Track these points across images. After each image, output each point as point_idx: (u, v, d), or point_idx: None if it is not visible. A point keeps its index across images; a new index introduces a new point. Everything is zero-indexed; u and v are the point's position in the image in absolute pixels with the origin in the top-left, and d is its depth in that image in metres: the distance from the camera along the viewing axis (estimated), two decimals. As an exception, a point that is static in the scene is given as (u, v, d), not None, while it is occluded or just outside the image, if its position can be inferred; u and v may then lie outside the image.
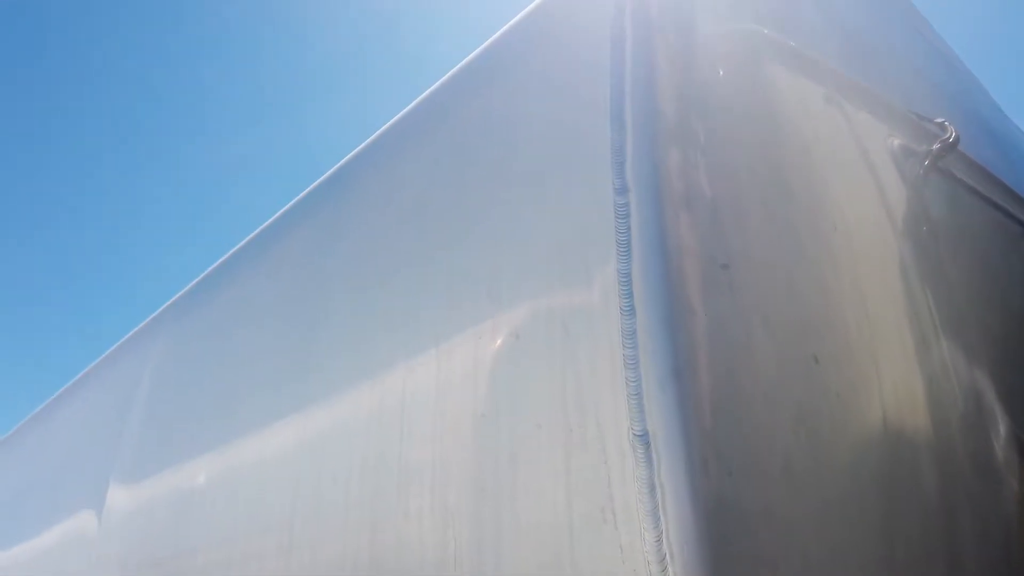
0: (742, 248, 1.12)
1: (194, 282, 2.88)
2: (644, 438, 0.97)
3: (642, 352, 1.01)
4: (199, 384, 2.53)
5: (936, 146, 1.78)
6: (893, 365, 1.24)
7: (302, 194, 2.42)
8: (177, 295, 2.97)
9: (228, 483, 2.11)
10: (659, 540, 0.92)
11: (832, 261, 1.24)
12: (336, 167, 2.30)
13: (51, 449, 3.46)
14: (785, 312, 1.11)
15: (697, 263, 1.08)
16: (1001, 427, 1.46)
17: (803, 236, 1.22)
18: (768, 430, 1.02)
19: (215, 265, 2.80)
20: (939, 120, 1.87)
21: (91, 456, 2.99)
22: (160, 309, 3.06)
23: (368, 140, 2.14)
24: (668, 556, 0.91)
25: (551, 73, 1.47)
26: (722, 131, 1.24)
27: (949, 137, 1.80)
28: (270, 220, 2.57)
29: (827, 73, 1.68)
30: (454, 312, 1.36)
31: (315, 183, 2.38)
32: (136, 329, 3.19)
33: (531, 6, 1.69)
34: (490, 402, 1.21)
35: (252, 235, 2.64)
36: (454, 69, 1.85)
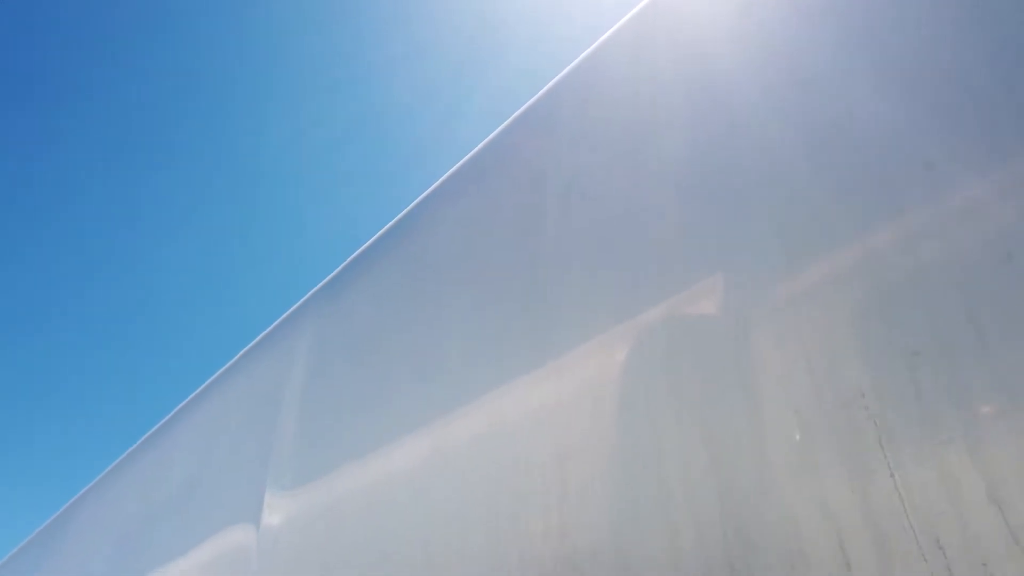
0: None
1: (346, 262, 2.79)
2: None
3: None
4: (357, 374, 2.37)
5: None
6: None
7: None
8: (325, 279, 2.88)
9: (397, 487, 1.94)
10: None
11: None
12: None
13: (187, 459, 3.33)
14: None
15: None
16: None
17: None
18: None
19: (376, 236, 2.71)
20: None
21: (241, 462, 2.82)
22: (305, 296, 2.97)
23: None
24: None
25: None
26: None
27: None
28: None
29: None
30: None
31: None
32: (280, 320, 3.10)
33: None
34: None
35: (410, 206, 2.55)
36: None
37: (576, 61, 2.06)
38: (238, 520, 2.67)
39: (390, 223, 2.73)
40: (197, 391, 3.57)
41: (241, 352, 3.29)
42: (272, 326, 3.14)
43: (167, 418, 3.78)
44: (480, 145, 2.31)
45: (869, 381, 1.08)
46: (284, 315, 3.07)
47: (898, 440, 1.03)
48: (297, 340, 2.81)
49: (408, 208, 2.62)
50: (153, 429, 3.88)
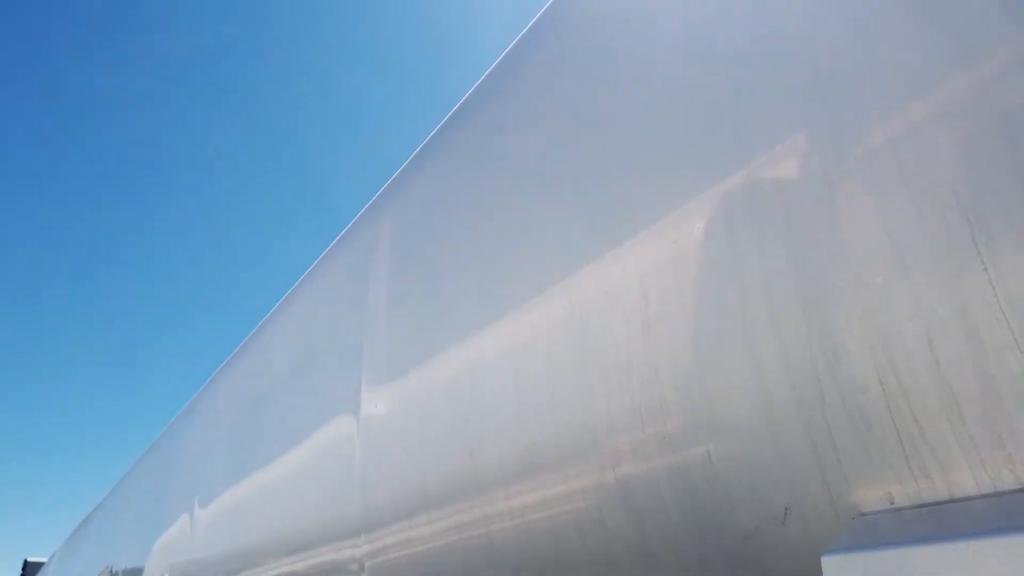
0: None
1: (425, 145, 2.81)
2: None
3: None
4: (441, 259, 2.39)
5: None
6: None
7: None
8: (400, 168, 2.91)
9: (489, 367, 1.97)
10: None
11: None
12: None
13: (287, 353, 3.48)
14: None
15: None
16: None
17: None
18: None
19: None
20: None
21: (337, 351, 2.91)
22: (384, 185, 3.02)
23: None
24: None
25: None
26: None
27: None
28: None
29: None
30: None
31: None
32: (361, 211, 3.17)
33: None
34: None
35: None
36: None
37: None
38: (339, 408, 2.80)
39: (459, 102, 2.72)
40: (291, 288, 3.73)
41: (328, 248, 3.40)
42: (355, 218, 3.22)
43: (267, 316, 3.99)
44: (536, 17, 2.25)
45: (963, 176, 1.04)
46: (364, 207, 3.13)
47: (993, 233, 1.00)
48: (379, 228, 2.86)
49: (477, 83, 2.60)
50: (256, 328, 4.10)
